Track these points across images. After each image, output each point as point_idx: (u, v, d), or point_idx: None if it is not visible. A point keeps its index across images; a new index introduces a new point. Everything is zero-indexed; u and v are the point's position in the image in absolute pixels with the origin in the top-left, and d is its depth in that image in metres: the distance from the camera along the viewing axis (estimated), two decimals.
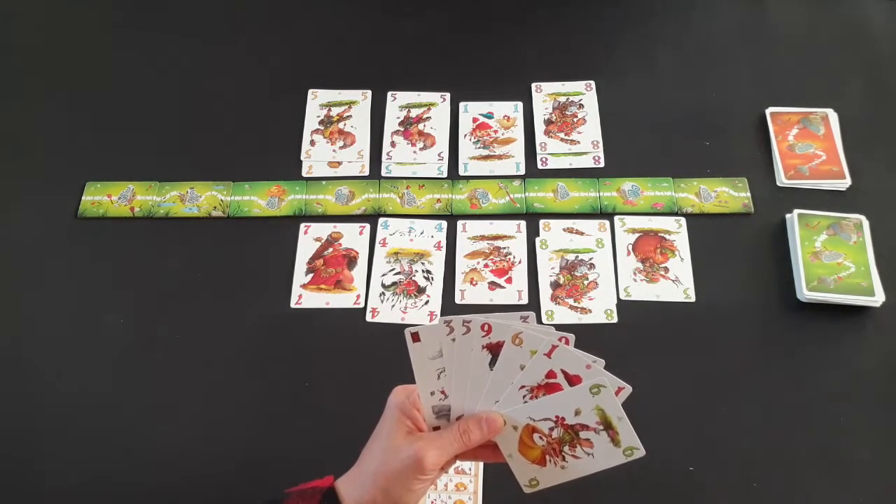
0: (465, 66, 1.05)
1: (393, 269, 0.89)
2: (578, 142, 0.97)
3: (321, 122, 1.00)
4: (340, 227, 0.93)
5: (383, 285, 0.88)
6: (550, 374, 0.55)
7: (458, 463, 0.72)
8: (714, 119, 0.99)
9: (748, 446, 0.78)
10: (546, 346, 0.54)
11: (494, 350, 0.56)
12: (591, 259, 0.89)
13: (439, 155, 0.97)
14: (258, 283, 0.89)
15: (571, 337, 0.54)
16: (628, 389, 0.54)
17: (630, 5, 1.11)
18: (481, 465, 0.76)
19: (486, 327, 0.55)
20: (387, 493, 0.55)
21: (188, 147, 0.99)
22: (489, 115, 1.00)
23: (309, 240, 0.92)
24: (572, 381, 0.55)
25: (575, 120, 0.99)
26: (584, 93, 1.02)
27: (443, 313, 0.86)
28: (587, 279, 0.87)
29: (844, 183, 0.93)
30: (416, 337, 0.56)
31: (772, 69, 1.03)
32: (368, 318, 0.86)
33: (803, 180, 0.93)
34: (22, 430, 0.81)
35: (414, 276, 0.88)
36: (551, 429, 0.56)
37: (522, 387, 0.56)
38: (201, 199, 0.94)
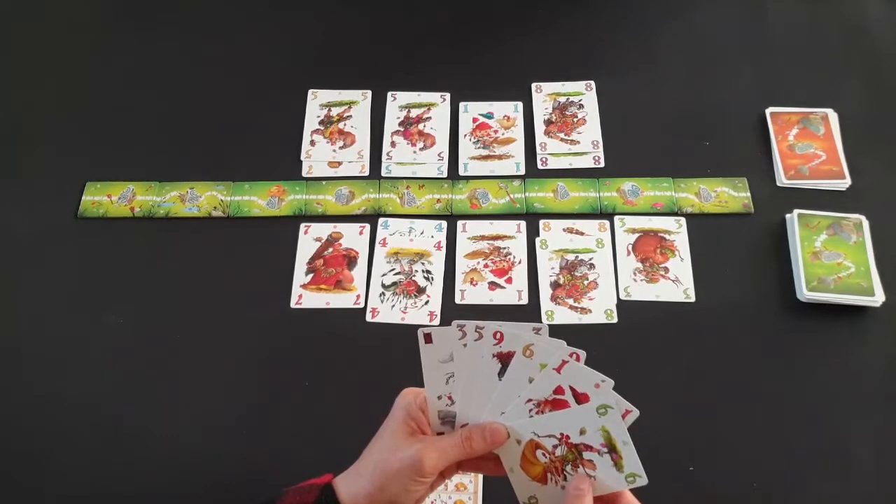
0: (465, 66, 1.05)
1: (393, 269, 0.89)
2: (578, 142, 0.98)
3: (321, 122, 1.00)
4: (340, 227, 0.93)
5: (383, 285, 0.88)
6: (558, 390, 0.54)
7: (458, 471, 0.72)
8: (714, 119, 0.99)
9: (748, 446, 0.78)
10: (556, 360, 0.54)
11: (504, 359, 0.55)
12: (591, 259, 0.89)
13: (439, 155, 0.97)
14: (258, 283, 0.89)
15: (582, 353, 0.54)
16: (635, 413, 0.53)
17: (630, 5, 1.11)
18: None
19: (498, 335, 0.55)
20: (383, 491, 0.55)
21: (188, 147, 0.99)
22: (489, 115, 1.00)
23: (309, 240, 0.92)
24: (580, 398, 0.54)
25: (575, 120, 0.99)
26: (584, 93, 1.02)
27: (443, 313, 0.86)
28: (587, 279, 0.87)
29: (844, 183, 0.93)
30: (428, 338, 0.56)
31: (772, 69, 1.03)
32: (368, 318, 0.86)
33: (803, 180, 0.93)
34: (21, 430, 0.81)
35: (414, 276, 0.88)
36: (555, 446, 0.55)
37: (529, 400, 0.55)
38: (201, 199, 0.94)
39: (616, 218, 0.92)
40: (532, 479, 0.57)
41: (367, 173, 0.97)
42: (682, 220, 0.92)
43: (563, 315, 0.85)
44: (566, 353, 0.54)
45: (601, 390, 0.53)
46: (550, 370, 0.54)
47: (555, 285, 0.87)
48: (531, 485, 0.57)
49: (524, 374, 0.55)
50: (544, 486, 0.57)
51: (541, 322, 0.56)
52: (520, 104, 1.01)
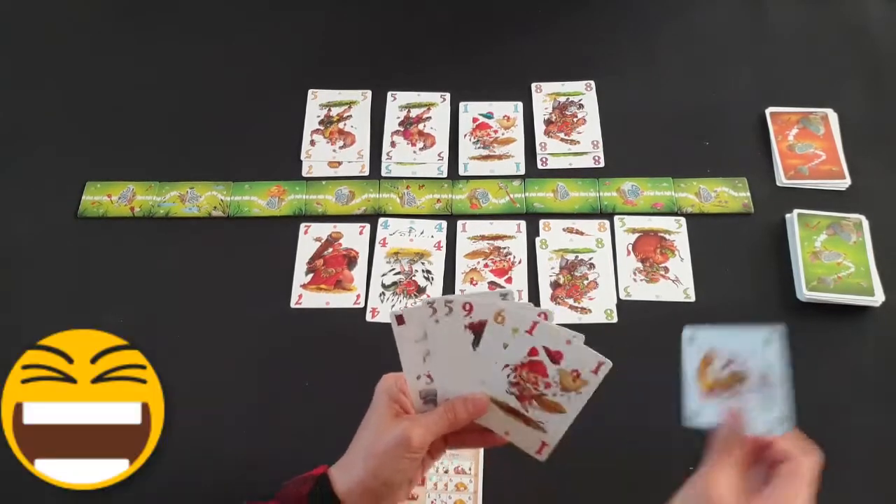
0: (465, 66, 1.05)
1: (393, 269, 0.89)
2: (578, 142, 0.97)
3: (321, 122, 1.00)
4: (340, 227, 0.93)
5: (383, 285, 0.88)
6: (532, 352, 0.55)
7: (457, 463, 0.72)
8: (714, 119, 0.99)
9: None
10: (527, 322, 0.54)
11: (477, 329, 0.56)
12: (590, 259, 0.89)
13: (439, 155, 0.97)
14: (258, 283, 0.89)
15: (551, 312, 0.55)
16: (608, 364, 0.55)
17: (630, 5, 1.11)
18: (481, 464, 0.76)
19: (467, 307, 0.56)
20: (376, 475, 0.55)
21: (188, 147, 0.99)
22: (489, 115, 1.00)
23: (309, 240, 0.92)
24: (554, 357, 0.55)
25: (575, 120, 0.99)
26: (584, 93, 1.02)
27: None
28: (587, 279, 0.87)
29: (844, 183, 0.93)
30: (400, 320, 0.57)
31: (772, 69, 1.03)
32: (368, 318, 0.86)
33: (803, 180, 0.93)
34: None
35: (414, 276, 0.88)
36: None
37: (506, 366, 0.56)
38: (201, 199, 0.94)
39: (616, 218, 0.92)
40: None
41: (367, 173, 0.97)
42: (682, 220, 0.91)
43: (563, 315, 0.85)
44: (535, 314, 0.54)
45: (573, 346, 0.54)
46: (523, 333, 0.55)
47: (555, 285, 0.87)
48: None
49: (498, 341, 0.56)
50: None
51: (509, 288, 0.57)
52: (520, 104, 1.01)
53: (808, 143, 0.96)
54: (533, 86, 1.02)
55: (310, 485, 0.56)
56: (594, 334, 0.83)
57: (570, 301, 0.86)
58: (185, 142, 1.00)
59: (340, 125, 1.00)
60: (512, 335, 0.55)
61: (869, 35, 1.06)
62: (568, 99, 1.01)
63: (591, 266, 0.88)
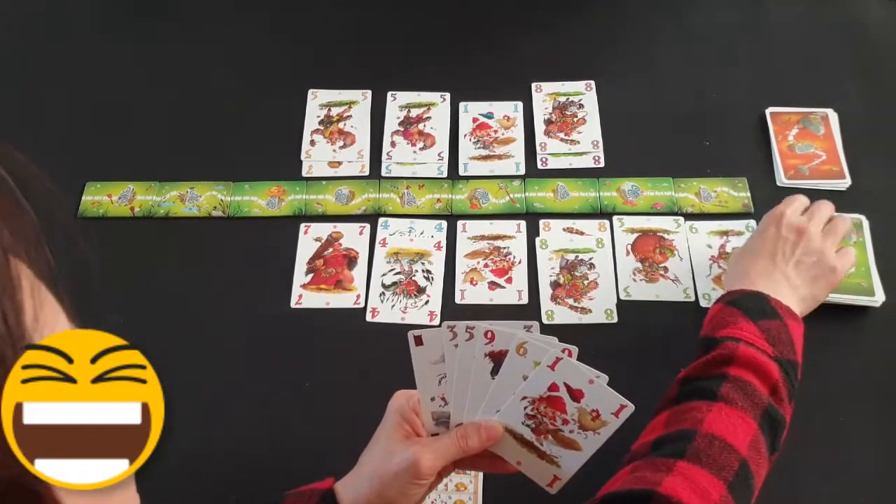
0: (465, 66, 1.05)
1: (393, 269, 0.89)
2: (578, 142, 0.97)
3: (321, 122, 1.00)
4: (340, 227, 0.93)
5: (383, 285, 0.88)
6: (553, 387, 0.55)
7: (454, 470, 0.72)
8: (714, 119, 0.99)
9: None
10: (550, 358, 0.54)
11: (497, 358, 0.55)
12: (590, 259, 0.89)
13: (439, 155, 0.97)
14: (258, 283, 0.89)
15: (574, 349, 0.54)
16: (630, 408, 0.54)
17: (630, 5, 1.11)
18: None
19: (489, 335, 0.55)
20: (382, 496, 0.55)
21: (188, 147, 0.99)
22: (489, 115, 1.00)
23: (309, 240, 0.92)
24: (575, 395, 0.54)
25: (575, 120, 0.99)
26: (584, 93, 1.02)
27: (443, 313, 0.86)
28: (587, 279, 0.87)
29: (844, 183, 0.93)
30: (418, 340, 0.56)
31: (772, 69, 1.03)
32: (368, 318, 0.86)
33: (803, 180, 0.93)
34: None
35: (414, 276, 0.88)
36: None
37: (524, 397, 0.55)
38: (201, 199, 0.94)
39: (615, 218, 0.92)
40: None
41: (367, 173, 0.96)
42: (682, 220, 0.91)
43: (563, 315, 0.85)
44: (559, 350, 0.54)
45: (595, 386, 0.53)
46: (545, 367, 0.54)
47: (555, 285, 0.87)
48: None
49: (518, 372, 0.55)
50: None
51: (533, 320, 0.56)
52: (520, 104, 1.01)
53: (809, 143, 0.96)
54: (533, 86, 1.02)
55: (315, 500, 0.56)
56: (594, 334, 0.84)
57: (570, 301, 0.86)
58: (185, 142, 1.00)
59: (340, 125, 1.00)
60: (533, 368, 0.55)
61: (869, 35, 1.06)
62: (568, 99, 1.01)
63: (591, 266, 0.88)
